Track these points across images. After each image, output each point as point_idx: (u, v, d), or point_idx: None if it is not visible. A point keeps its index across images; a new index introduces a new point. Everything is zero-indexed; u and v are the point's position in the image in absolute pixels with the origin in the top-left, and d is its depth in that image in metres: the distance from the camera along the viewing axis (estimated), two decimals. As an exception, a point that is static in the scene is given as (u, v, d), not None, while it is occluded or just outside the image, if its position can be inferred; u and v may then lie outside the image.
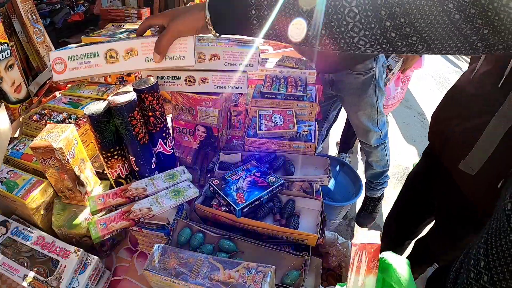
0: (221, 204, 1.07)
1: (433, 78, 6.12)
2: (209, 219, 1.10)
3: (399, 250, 2.09)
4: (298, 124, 1.29)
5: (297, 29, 0.78)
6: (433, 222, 1.70)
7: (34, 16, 1.70)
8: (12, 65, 1.41)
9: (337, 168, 2.70)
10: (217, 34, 0.90)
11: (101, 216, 1.03)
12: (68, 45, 1.01)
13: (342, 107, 2.70)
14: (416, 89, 5.59)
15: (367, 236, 0.79)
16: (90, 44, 0.94)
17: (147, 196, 1.07)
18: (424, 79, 6.03)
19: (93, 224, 0.99)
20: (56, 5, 2.12)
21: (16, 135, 1.34)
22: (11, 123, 1.40)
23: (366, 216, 2.84)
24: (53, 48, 1.79)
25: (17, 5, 1.59)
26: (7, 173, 1.15)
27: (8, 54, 1.38)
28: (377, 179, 2.73)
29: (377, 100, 2.26)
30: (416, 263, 1.75)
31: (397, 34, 0.70)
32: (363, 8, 0.69)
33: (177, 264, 0.87)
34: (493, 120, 1.11)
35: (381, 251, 2.14)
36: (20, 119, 1.35)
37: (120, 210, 1.02)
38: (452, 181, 1.37)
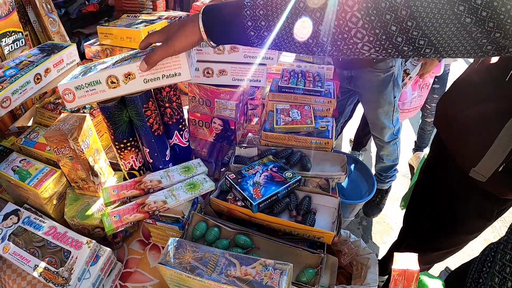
0: (237, 198, 1.05)
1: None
2: (224, 213, 1.08)
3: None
4: (315, 120, 1.27)
5: (298, 37, 0.74)
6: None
7: (48, 6, 1.68)
8: (27, 53, 1.40)
9: (351, 165, 2.68)
10: (214, 45, 0.89)
11: (114, 207, 1.02)
12: (74, 72, 1.06)
13: (358, 103, 2.73)
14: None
15: (406, 260, 0.81)
16: (91, 70, 0.98)
17: (162, 188, 1.05)
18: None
19: (106, 216, 0.98)
20: (70, -5, 2.12)
21: (30, 124, 1.32)
22: (25, 112, 1.39)
23: (373, 207, 2.93)
24: (67, 38, 1.78)
25: (32, -6, 1.58)
26: (19, 162, 1.14)
27: (22, 43, 1.38)
28: (386, 172, 2.81)
29: (394, 97, 2.29)
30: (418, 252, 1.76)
31: (403, 38, 0.65)
32: (366, 13, 0.65)
33: (192, 259, 0.85)
34: (504, 130, 1.09)
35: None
36: (34, 108, 1.33)
37: (134, 202, 1.01)
38: (454, 164, 1.37)
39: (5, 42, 1.30)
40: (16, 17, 1.34)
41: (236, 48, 1.11)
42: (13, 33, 1.33)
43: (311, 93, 1.35)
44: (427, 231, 1.72)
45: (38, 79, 1.22)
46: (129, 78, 0.93)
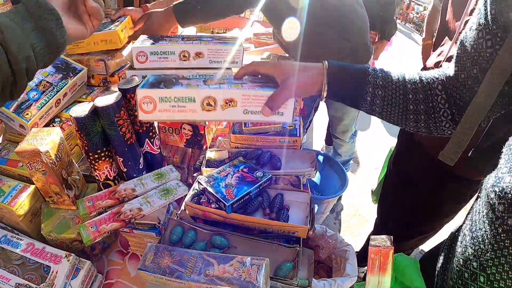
0: (211, 201, 1.07)
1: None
2: (199, 217, 1.10)
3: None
4: (283, 119, 1.30)
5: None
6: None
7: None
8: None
9: (322, 162, 2.73)
10: (325, 98, 0.92)
11: (91, 219, 1.02)
12: (148, 79, 0.93)
13: None
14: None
15: (381, 240, 0.85)
16: (184, 85, 0.89)
17: (137, 196, 1.07)
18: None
19: (83, 227, 0.98)
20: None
21: (0, 141, 1.32)
22: (-5, 130, 1.38)
23: None
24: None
25: (-6, 9, 1.56)
26: (-8, 180, 1.14)
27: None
28: (343, 165, 2.86)
29: None
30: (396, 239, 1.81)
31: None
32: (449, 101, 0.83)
33: (171, 262, 0.87)
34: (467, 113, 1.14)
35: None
36: (3, 125, 1.33)
37: (110, 211, 1.02)
38: (423, 151, 1.44)
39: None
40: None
41: (201, 54, 1.13)
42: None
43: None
44: (403, 219, 1.77)
45: (58, 103, 1.33)
46: (229, 105, 0.87)
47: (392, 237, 0.85)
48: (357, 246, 2.58)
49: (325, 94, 0.90)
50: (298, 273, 0.91)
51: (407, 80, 0.87)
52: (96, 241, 0.99)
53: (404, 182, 1.75)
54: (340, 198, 3.11)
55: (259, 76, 0.98)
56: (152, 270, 0.86)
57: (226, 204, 1.01)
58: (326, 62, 0.89)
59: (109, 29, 1.54)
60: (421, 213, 1.63)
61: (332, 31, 1.75)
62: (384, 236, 0.85)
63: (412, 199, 1.67)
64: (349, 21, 1.76)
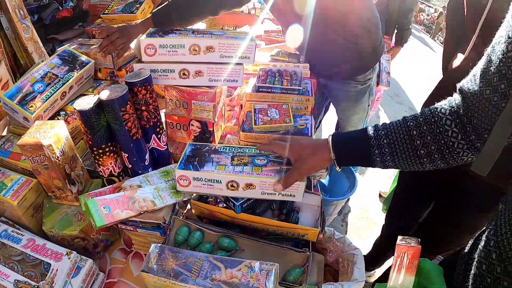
0: (218, 200, 1.04)
1: (424, 74, 6.16)
2: (206, 216, 1.07)
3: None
4: (294, 118, 1.26)
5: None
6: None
7: (22, 12, 1.65)
8: (-1, 61, 1.38)
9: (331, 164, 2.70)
10: (339, 168, 0.99)
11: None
12: (188, 148, 1.08)
13: None
14: (407, 85, 5.61)
15: (408, 240, 0.88)
16: (215, 164, 1.01)
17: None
18: (415, 75, 6.07)
19: (93, 203, 0.96)
20: (44, 1, 2.06)
21: (4, 133, 1.29)
22: (-1, 121, 1.36)
23: None
24: (41, 44, 1.74)
25: (4, 0, 1.54)
26: (-6, 173, 1.11)
27: (-6, 51, 1.35)
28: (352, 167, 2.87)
29: (368, 105, 2.32)
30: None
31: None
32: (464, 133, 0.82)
33: (175, 264, 0.84)
34: (497, 124, 1.11)
35: (381, 247, 2.13)
36: (7, 117, 1.30)
37: (123, 194, 1.00)
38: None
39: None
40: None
41: (212, 48, 1.09)
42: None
43: (289, 91, 1.34)
44: (423, 235, 1.73)
45: (63, 96, 1.31)
46: (249, 188, 0.97)
47: (419, 239, 0.87)
48: (365, 249, 2.54)
49: (337, 168, 0.98)
50: (307, 278, 0.88)
51: (408, 118, 0.90)
52: (108, 225, 0.97)
53: (417, 193, 1.73)
54: (348, 200, 3.06)
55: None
56: (156, 273, 0.83)
57: (236, 203, 0.98)
58: (330, 138, 0.96)
59: (131, 11, 1.86)
60: (445, 227, 1.59)
61: (336, 34, 1.72)
62: (413, 237, 0.88)
63: (432, 211, 1.64)
64: (355, 24, 1.73)
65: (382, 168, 0.94)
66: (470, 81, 0.79)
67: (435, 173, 1.49)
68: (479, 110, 0.77)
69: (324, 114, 3.18)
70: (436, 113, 0.85)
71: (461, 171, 1.32)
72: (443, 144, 0.84)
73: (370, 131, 0.92)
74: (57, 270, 0.94)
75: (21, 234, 1.04)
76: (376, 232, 2.62)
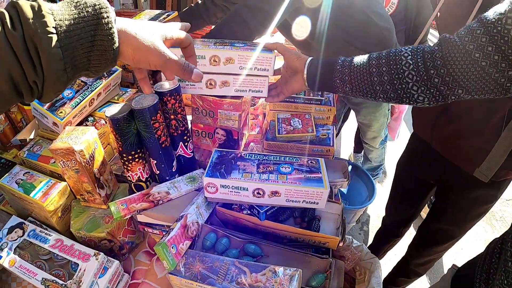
0: (243, 207, 1.07)
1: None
2: (230, 223, 1.09)
3: (395, 239, 2.18)
4: (316, 128, 1.29)
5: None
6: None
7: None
8: (28, 66, 1.41)
9: (350, 171, 2.72)
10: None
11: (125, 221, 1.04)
12: (215, 155, 1.14)
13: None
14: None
15: None
16: (241, 171, 1.05)
17: (171, 199, 1.07)
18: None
19: (114, 204, 1.01)
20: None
21: (31, 136, 1.33)
22: (26, 125, 1.39)
23: None
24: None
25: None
26: (23, 175, 1.15)
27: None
28: (373, 171, 2.99)
29: (389, 110, 2.35)
30: (422, 247, 1.82)
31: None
32: (417, 71, 0.86)
33: (202, 268, 0.87)
34: (504, 133, 1.12)
35: (381, 241, 2.15)
36: (36, 121, 1.34)
37: (139, 193, 1.06)
38: (448, 162, 1.42)
39: None
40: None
41: (232, 59, 1.12)
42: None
43: (311, 101, 1.37)
44: (427, 226, 1.75)
45: (91, 102, 1.34)
46: (275, 195, 1.01)
47: None
48: (383, 261, 2.54)
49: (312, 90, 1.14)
50: (330, 284, 0.90)
51: (372, 56, 0.96)
52: (125, 217, 1.02)
53: (424, 189, 1.76)
54: (366, 209, 3.07)
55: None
56: (183, 275, 0.86)
57: (260, 211, 1.00)
58: (307, 62, 1.07)
59: (159, 20, 1.91)
60: (447, 218, 1.60)
61: (352, 46, 1.74)
62: None
63: (440, 204, 1.65)
64: (372, 36, 1.74)
65: (344, 95, 1.05)
66: (456, 34, 0.82)
67: (431, 163, 1.53)
68: (455, 61, 0.80)
69: (343, 122, 3.22)
70: (399, 54, 0.89)
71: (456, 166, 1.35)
72: (398, 84, 0.89)
73: (339, 60, 1.01)
74: (84, 270, 0.97)
75: (49, 234, 1.07)
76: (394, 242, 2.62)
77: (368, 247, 2.21)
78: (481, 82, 0.78)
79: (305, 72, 1.06)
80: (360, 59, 0.97)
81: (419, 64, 0.84)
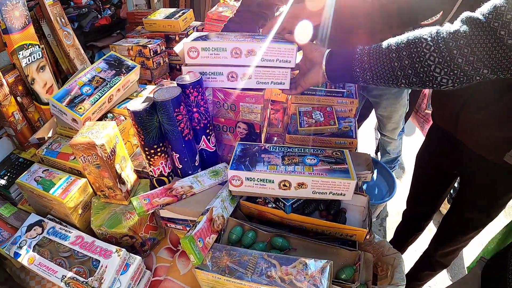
0: (268, 200, 1.05)
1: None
2: (254, 217, 1.08)
3: (417, 234, 2.15)
4: (338, 121, 1.27)
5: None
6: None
7: (63, 20, 1.69)
8: (44, 66, 1.41)
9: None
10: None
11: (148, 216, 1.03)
12: (238, 148, 1.12)
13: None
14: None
15: None
16: (266, 164, 1.03)
17: (194, 194, 1.05)
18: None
19: (136, 199, 1.00)
20: (83, 10, 2.12)
21: (50, 134, 1.32)
22: (43, 124, 1.39)
23: None
24: (82, 51, 1.79)
25: (46, 8, 1.59)
26: (42, 172, 1.14)
27: (39, 56, 1.38)
28: (391, 163, 3.03)
29: (408, 100, 2.35)
30: (448, 237, 1.79)
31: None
32: (438, 52, 0.83)
33: (230, 262, 0.85)
34: None
35: (402, 236, 2.12)
36: (55, 119, 1.33)
37: (162, 187, 1.04)
38: (471, 152, 1.38)
39: (23, 54, 1.30)
40: (32, 30, 1.35)
41: (253, 51, 1.11)
42: (30, 46, 1.34)
43: (333, 94, 1.35)
44: (452, 216, 1.72)
45: (110, 99, 1.33)
46: (301, 187, 0.99)
47: None
48: (404, 256, 2.50)
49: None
50: (360, 276, 0.88)
51: (391, 42, 0.93)
52: (148, 212, 1.00)
53: (446, 180, 1.73)
54: (386, 205, 3.05)
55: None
56: (210, 270, 0.84)
57: (286, 204, 0.98)
58: (325, 55, 1.05)
59: (175, 18, 2.07)
60: (475, 207, 1.58)
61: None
62: None
63: (465, 194, 1.62)
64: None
65: (365, 84, 1.00)
66: (479, 12, 0.79)
67: (453, 154, 1.50)
68: (480, 39, 0.77)
69: (363, 120, 3.26)
70: (418, 37, 0.87)
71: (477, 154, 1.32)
72: (420, 68, 0.86)
73: (358, 49, 0.99)
74: (106, 267, 0.95)
75: (69, 231, 1.06)
76: (415, 239, 2.59)
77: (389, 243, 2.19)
78: (506, 61, 0.76)
79: (324, 64, 1.05)
80: (379, 45, 0.95)
81: (441, 45, 0.82)
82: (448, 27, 0.82)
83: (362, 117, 3.17)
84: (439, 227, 1.87)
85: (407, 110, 2.50)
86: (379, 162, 2.75)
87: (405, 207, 2.13)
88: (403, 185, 3.35)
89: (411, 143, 3.55)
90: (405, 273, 1.97)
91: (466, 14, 0.81)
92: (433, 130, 1.68)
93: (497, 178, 1.37)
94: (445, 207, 2.61)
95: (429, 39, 0.83)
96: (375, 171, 2.73)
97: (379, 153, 3.43)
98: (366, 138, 3.79)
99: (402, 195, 2.92)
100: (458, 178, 1.70)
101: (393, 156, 2.99)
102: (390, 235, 2.79)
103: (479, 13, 0.78)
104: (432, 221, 2.07)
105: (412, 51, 0.86)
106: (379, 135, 2.96)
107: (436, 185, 1.79)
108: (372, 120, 3.43)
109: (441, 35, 0.82)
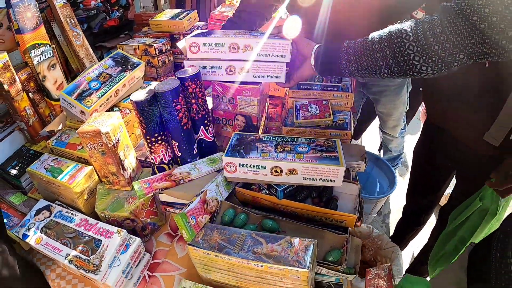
0: (261, 187, 1.09)
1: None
2: (249, 203, 1.12)
3: (417, 228, 2.16)
4: (333, 114, 1.31)
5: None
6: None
7: (72, 21, 1.76)
8: (55, 64, 1.48)
9: (372, 163, 2.78)
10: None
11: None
12: (234, 137, 1.17)
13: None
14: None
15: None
16: (259, 152, 1.07)
17: (192, 179, 1.11)
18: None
19: (137, 183, 1.06)
20: (92, 11, 2.20)
21: (59, 128, 1.39)
22: (53, 119, 1.46)
23: None
24: (91, 51, 1.86)
25: (56, 10, 1.65)
26: (51, 161, 1.21)
27: (50, 55, 1.45)
28: (394, 161, 3.04)
29: (408, 98, 2.37)
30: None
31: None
32: (419, 46, 0.86)
33: (220, 239, 0.89)
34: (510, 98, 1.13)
35: (403, 231, 2.12)
36: (64, 113, 1.40)
37: (162, 173, 1.10)
38: (461, 143, 1.41)
39: (34, 53, 1.37)
40: (43, 30, 1.42)
41: (250, 46, 1.16)
42: (41, 45, 1.41)
43: (329, 88, 1.39)
44: (450, 208, 1.74)
45: (116, 93, 1.40)
46: (292, 173, 1.03)
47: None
48: (405, 252, 2.50)
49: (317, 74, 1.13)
50: (347, 259, 0.91)
51: (374, 34, 0.97)
52: (148, 195, 1.06)
53: (443, 173, 1.76)
54: (388, 201, 3.08)
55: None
56: (201, 246, 0.88)
57: (278, 189, 1.03)
58: (314, 49, 1.09)
59: (179, 18, 2.15)
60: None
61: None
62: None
63: (462, 186, 1.66)
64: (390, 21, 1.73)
65: (351, 76, 1.04)
66: (453, 1, 0.83)
67: (445, 147, 1.53)
68: (454, 26, 0.81)
69: (369, 122, 3.29)
70: (399, 28, 0.90)
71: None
72: (400, 57, 0.89)
73: (345, 43, 1.02)
74: (107, 246, 1.01)
75: (75, 215, 1.12)
76: (417, 236, 2.59)
77: (390, 238, 2.22)
78: (481, 45, 0.79)
79: (313, 58, 1.09)
80: (364, 39, 0.99)
81: (419, 34, 0.85)
82: (426, 18, 0.87)
83: (367, 119, 3.20)
84: (438, 220, 1.89)
85: (407, 109, 2.51)
86: (380, 158, 2.78)
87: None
88: (405, 181, 3.36)
89: (415, 141, 3.55)
90: (406, 268, 1.99)
91: (442, 4, 0.85)
92: (427, 124, 1.72)
93: (489, 169, 1.40)
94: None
95: (408, 30, 0.87)
96: (376, 168, 2.76)
97: (381, 151, 3.45)
98: (371, 137, 3.81)
99: (405, 192, 2.94)
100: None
101: (395, 154, 3.02)
102: (391, 232, 2.80)
103: (454, 1, 0.82)
104: (432, 218, 2.08)
105: (393, 42, 0.90)
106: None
107: (433, 178, 1.82)
108: (376, 119, 3.44)
109: (419, 26, 0.86)
